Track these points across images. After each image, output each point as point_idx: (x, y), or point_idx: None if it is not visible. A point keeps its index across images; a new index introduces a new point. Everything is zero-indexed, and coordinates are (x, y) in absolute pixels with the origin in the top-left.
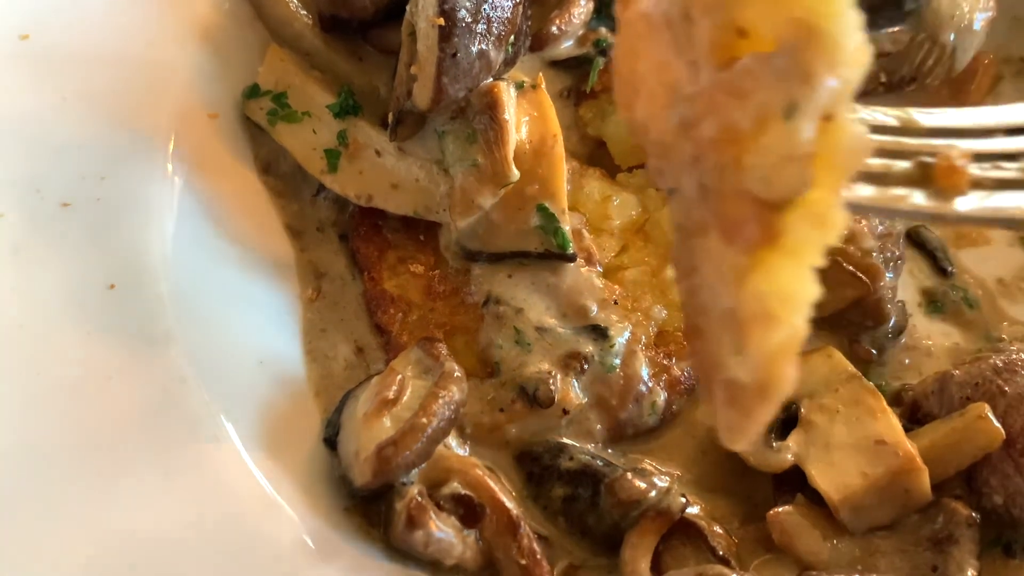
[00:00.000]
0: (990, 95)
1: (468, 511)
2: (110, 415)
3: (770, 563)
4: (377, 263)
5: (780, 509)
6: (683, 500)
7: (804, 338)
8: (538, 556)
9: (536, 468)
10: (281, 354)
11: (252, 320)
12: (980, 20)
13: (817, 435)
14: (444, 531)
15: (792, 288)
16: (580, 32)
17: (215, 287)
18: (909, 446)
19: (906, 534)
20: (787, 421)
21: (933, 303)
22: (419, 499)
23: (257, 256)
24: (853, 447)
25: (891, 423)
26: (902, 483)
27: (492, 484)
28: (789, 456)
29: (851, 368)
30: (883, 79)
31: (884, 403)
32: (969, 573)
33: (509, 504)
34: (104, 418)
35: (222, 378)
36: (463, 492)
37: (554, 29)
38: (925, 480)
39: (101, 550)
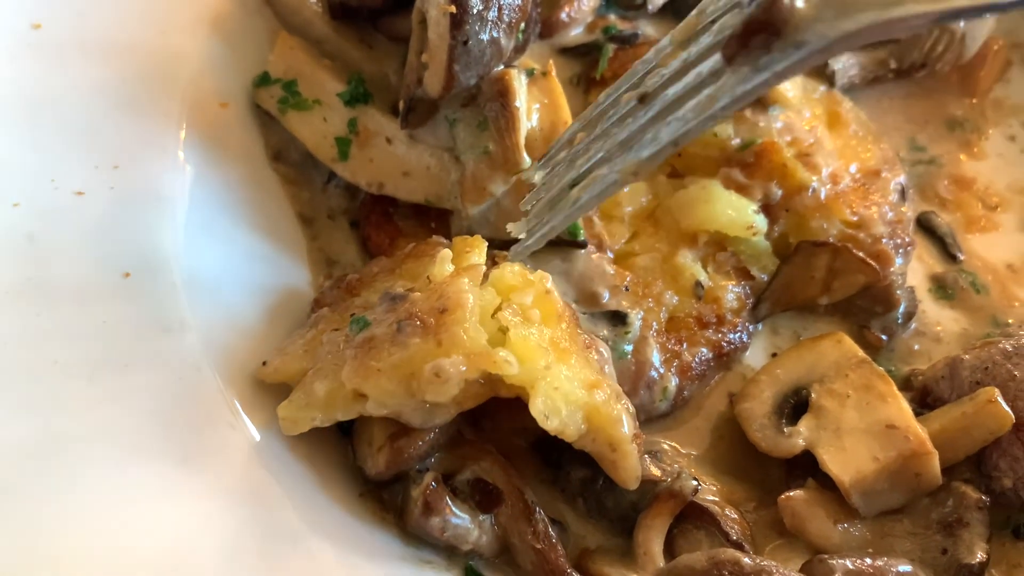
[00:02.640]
0: (1000, 81)
1: (484, 497)
2: (126, 403)
3: (782, 547)
4: (389, 251)
5: (791, 494)
6: (695, 483)
7: None
8: (553, 540)
9: (554, 452)
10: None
11: (265, 307)
12: None
13: (828, 420)
14: (460, 517)
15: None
16: (589, 19)
17: (228, 275)
18: (920, 430)
19: (917, 517)
20: (798, 406)
21: (942, 288)
22: (434, 485)
23: (269, 244)
24: (864, 432)
25: (901, 407)
26: (913, 467)
27: (507, 470)
28: (800, 441)
29: (861, 353)
30: (893, 65)
31: (894, 388)
32: (979, 556)
33: (524, 489)
34: (120, 406)
35: (237, 365)
36: (479, 478)
37: (564, 16)
38: (935, 464)
39: (116, 539)
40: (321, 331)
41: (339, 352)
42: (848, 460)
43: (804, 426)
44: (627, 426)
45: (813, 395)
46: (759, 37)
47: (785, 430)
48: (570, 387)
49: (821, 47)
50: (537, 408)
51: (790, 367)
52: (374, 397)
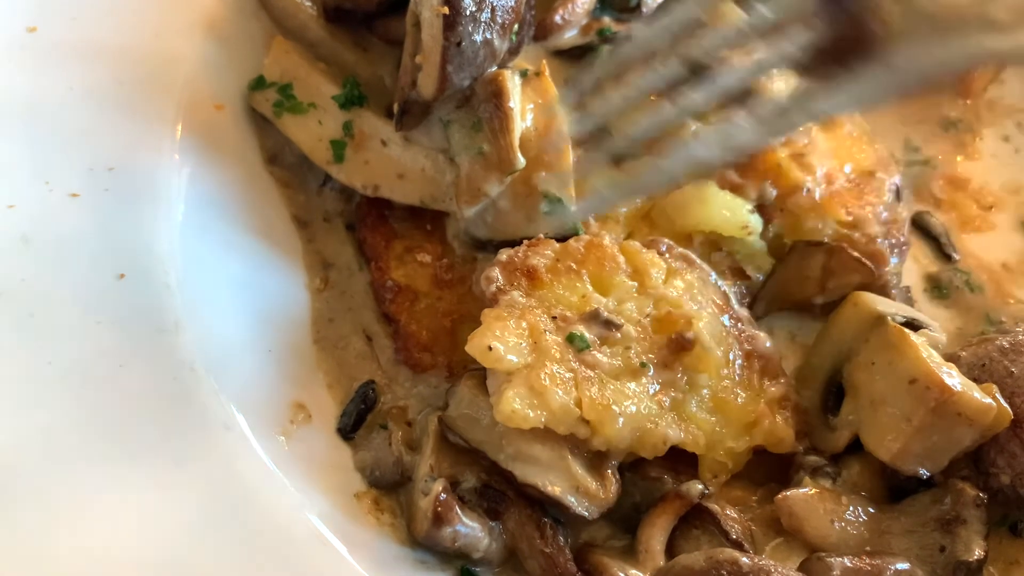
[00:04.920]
0: (994, 82)
1: (492, 503)
2: (121, 404)
3: (782, 546)
4: (384, 253)
5: (788, 493)
6: (701, 487)
7: None
8: (561, 544)
9: None
10: (289, 343)
11: (260, 309)
12: None
13: (863, 397)
14: (470, 526)
15: None
16: (583, 21)
17: (223, 277)
18: (939, 374)
19: (914, 515)
20: (838, 392)
21: (937, 288)
22: (444, 496)
23: (264, 246)
24: (894, 396)
25: (918, 356)
26: (950, 411)
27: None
28: (846, 432)
29: (876, 309)
30: None
31: (909, 338)
32: (976, 553)
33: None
34: (115, 407)
35: (231, 366)
36: (486, 484)
37: (558, 18)
38: (970, 400)
39: (112, 537)
40: (535, 328)
41: (564, 361)
42: (885, 433)
43: (845, 412)
44: (789, 437)
45: (845, 375)
46: (845, 54)
47: (831, 422)
48: (734, 443)
49: (913, 76)
50: (705, 477)
51: (822, 353)
52: (606, 437)
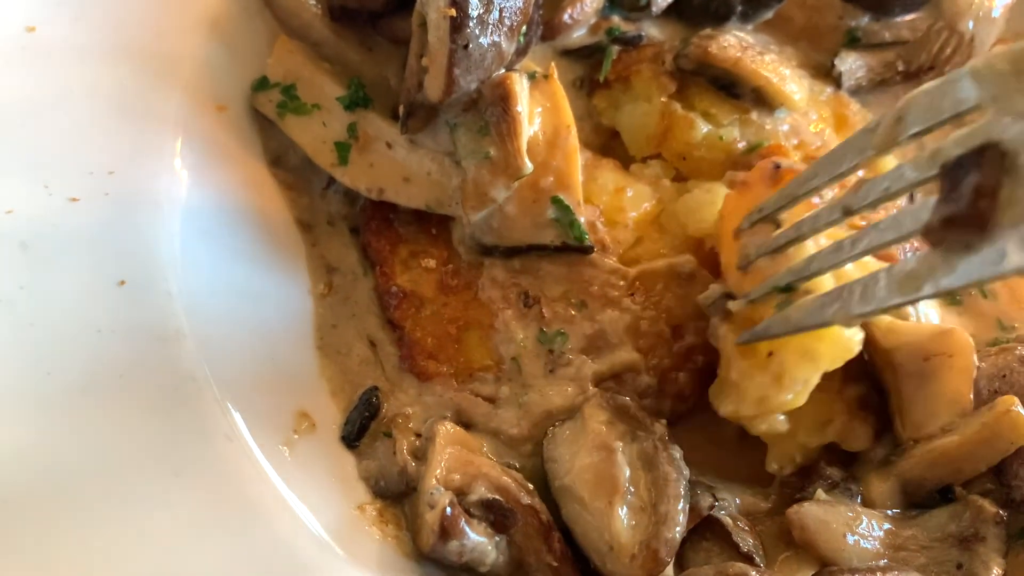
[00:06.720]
0: None
1: (499, 517)
2: (121, 413)
3: (791, 560)
4: (389, 258)
5: (799, 507)
6: (712, 499)
7: None
8: (569, 558)
9: None
10: (293, 350)
11: (262, 315)
12: (999, 8)
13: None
14: (477, 540)
15: None
16: (592, 20)
17: (225, 282)
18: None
19: (932, 531)
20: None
21: (950, 294)
22: (450, 511)
23: (267, 250)
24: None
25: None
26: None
27: (519, 487)
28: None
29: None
30: (900, 68)
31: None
32: (994, 571)
33: (538, 507)
34: (115, 416)
35: (234, 375)
36: (492, 498)
37: (566, 18)
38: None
39: (112, 549)
40: None
41: None
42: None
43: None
44: (865, 436)
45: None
46: (960, 233)
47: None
48: (807, 439)
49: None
50: (772, 467)
51: None
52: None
